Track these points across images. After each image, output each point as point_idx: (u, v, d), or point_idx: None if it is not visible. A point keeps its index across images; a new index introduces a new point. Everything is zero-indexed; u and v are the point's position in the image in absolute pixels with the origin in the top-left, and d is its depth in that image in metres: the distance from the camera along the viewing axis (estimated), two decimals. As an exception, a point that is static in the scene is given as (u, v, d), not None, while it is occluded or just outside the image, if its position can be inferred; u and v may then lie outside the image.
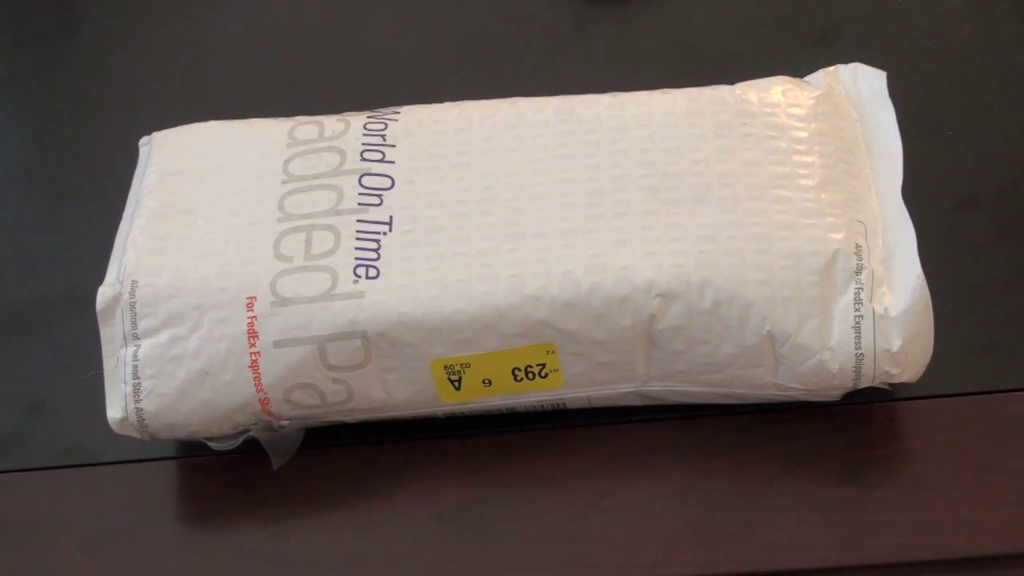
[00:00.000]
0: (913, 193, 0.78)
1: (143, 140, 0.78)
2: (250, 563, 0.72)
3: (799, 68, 0.82)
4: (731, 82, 0.82)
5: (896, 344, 0.69)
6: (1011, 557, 0.68)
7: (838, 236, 0.70)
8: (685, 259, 0.70)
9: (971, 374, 0.72)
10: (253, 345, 0.71)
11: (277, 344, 0.70)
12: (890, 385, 0.71)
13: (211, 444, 0.74)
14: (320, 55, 0.87)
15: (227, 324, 0.71)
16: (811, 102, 0.75)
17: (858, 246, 0.70)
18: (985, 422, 0.71)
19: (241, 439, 0.73)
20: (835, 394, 0.71)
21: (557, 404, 0.73)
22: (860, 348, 0.69)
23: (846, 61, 0.82)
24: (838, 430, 0.72)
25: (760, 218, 0.71)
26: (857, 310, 0.69)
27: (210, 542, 0.73)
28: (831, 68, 0.77)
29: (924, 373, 0.72)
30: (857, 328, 0.69)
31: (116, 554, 0.73)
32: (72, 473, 0.76)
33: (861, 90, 0.76)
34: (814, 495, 0.70)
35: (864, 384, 0.70)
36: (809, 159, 0.73)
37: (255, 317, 0.71)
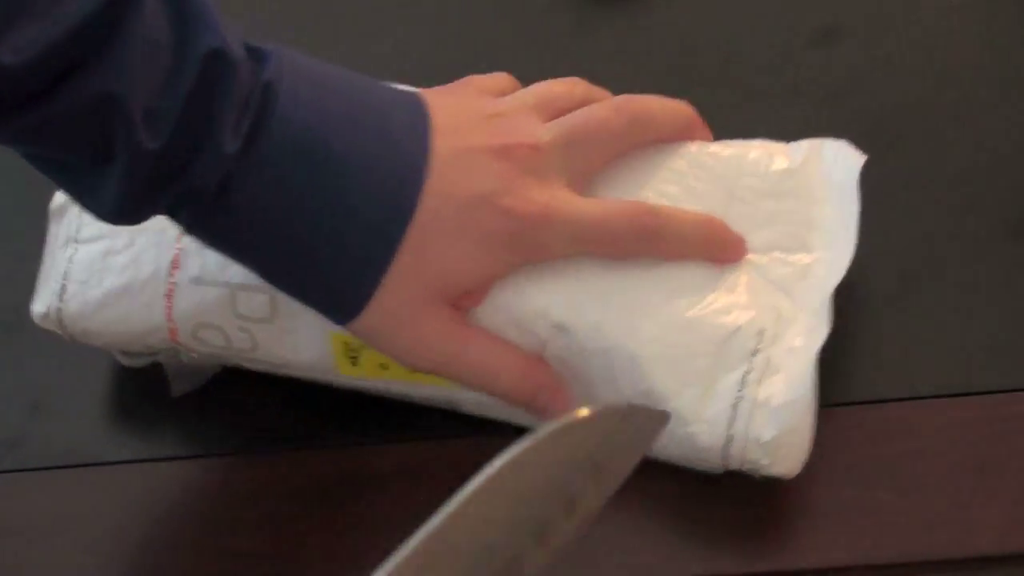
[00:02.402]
0: (913, 193, 0.78)
1: None
2: (250, 563, 0.72)
3: (799, 68, 0.82)
4: (731, 82, 0.82)
5: (768, 435, 0.67)
6: (1011, 557, 0.68)
7: (746, 314, 0.69)
8: (586, 297, 0.70)
9: (971, 374, 0.72)
10: (173, 275, 0.73)
11: (194, 280, 0.73)
12: (762, 476, 0.69)
13: (121, 359, 0.76)
14: (320, 55, 0.87)
15: (156, 249, 0.74)
16: (776, 177, 0.73)
17: (763, 330, 0.69)
18: (985, 422, 0.71)
19: (149, 360, 0.76)
20: (708, 467, 0.69)
21: (452, 405, 0.74)
22: (732, 430, 0.68)
23: (846, 61, 0.82)
24: (838, 430, 0.72)
25: (674, 277, 0.70)
26: (740, 391, 0.68)
27: (210, 542, 0.73)
28: (818, 141, 0.74)
29: (924, 373, 0.72)
30: (734, 409, 0.68)
31: (116, 554, 0.73)
32: (72, 473, 0.76)
33: (837, 171, 0.73)
34: (815, 495, 0.70)
35: (734, 466, 0.68)
36: (744, 233, 0.72)
37: (182, 249, 0.73)
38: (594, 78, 0.84)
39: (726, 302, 0.70)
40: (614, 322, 0.69)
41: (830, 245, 0.71)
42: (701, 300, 0.70)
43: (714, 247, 0.71)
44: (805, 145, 0.74)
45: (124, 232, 0.75)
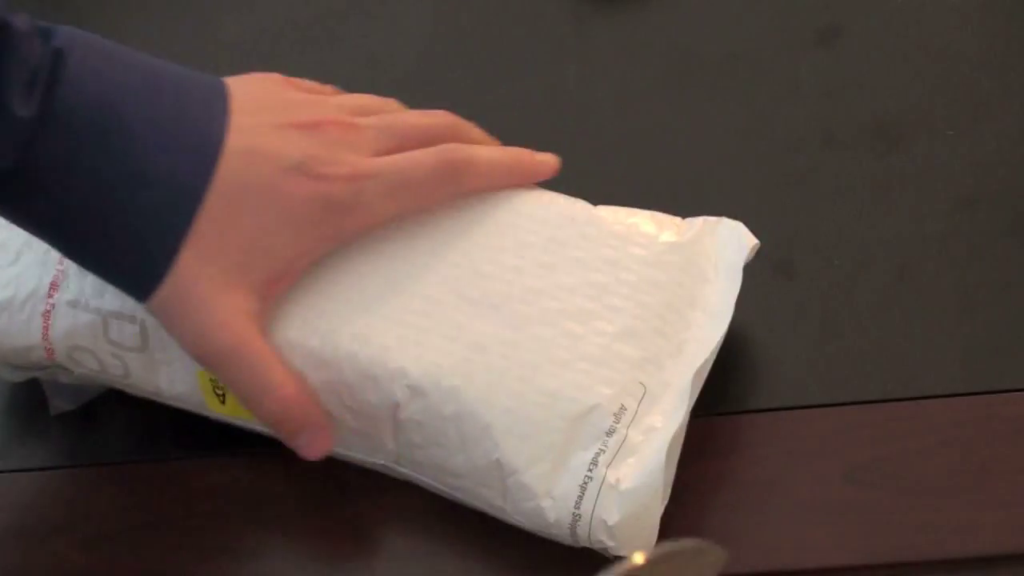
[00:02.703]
0: (913, 193, 0.78)
1: None
2: (250, 563, 0.72)
3: (799, 68, 0.82)
4: (731, 82, 0.82)
5: (614, 518, 0.67)
6: (1011, 557, 0.68)
7: (606, 391, 0.68)
8: (446, 360, 0.69)
9: (971, 374, 0.72)
10: (51, 296, 0.73)
11: (70, 303, 0.73)
12: (610, 556, 0.68)
13: (3, 372, 0.76)
14: (320, 55, 0.87)
15: (39, 268, 0.74)
16: (661, 248, 0.72)
17: (622, 408, 0.68)
18: (985, 422, 0.71)
19: (30, 376, 0.76)
20: (562, 540, 0.69)
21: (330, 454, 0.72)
22: (579, 509, 0.67)
23: (846, 61, 0.82)
24: (838, 430, 0.72)
25: (539, 346, 0.69)
26: (590, 471, 0.67)
27: (209, 542, 0.73)
28: (714, 220, 0.73)
29: (924, 373, 0.72)
30: (583, 488, 0.67)
31: (116, 554, 0.73)
32: (72, 473, 0.76)
33: (729, 253, 0.72)
34: (814, 495, 0.70)
35: (583, 544, 0.68)
36: (621, 303, 0.70)
37: (63, 271, 0.73)
38: (594, 78, 0.84)
39: (587, 377, 0.68)
40: (470, 389, 0.68)
41: (707, 325, 0.71)
42: (561, 373, 0.68)
43: (522, 172, 0.73)
44: (699, 222, 0.73)
45: (13, 248, 0.74)
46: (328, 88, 0.75)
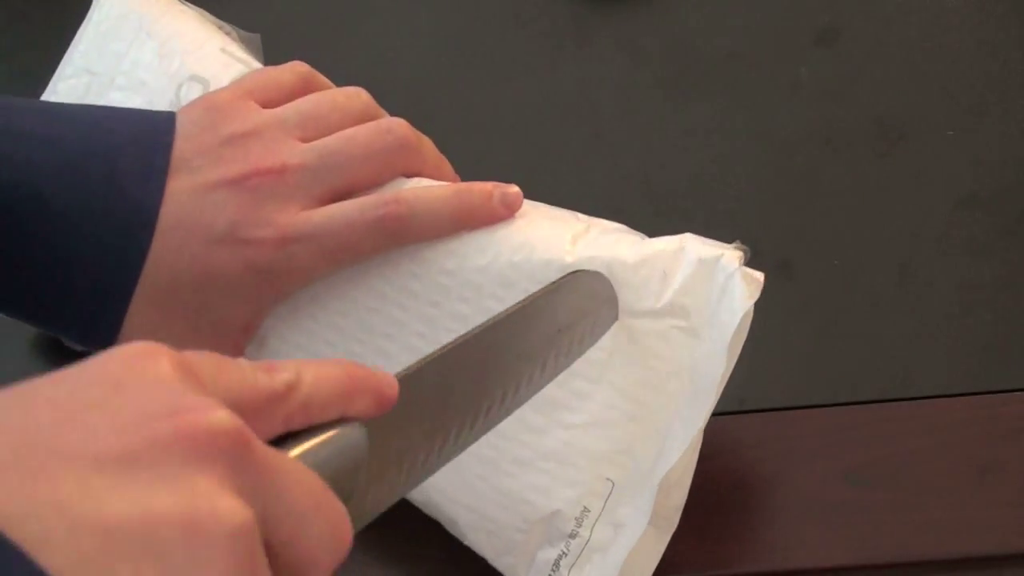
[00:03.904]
0: (913, 193, 0.78)
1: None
2: None
3: (799, 68, 0.82)
4: (731, 83, 0.82)
5: None
6: (1011, 557, 0.68)
7: (569, 493, 0.65)
8: None
9: (971, 374, 0.72)
10: None
11: None
12: None
13: None
14: (320, 55, 0.87)
15: None
16: (640, 313, 0.64)
17: (585, 509, 0.65)
18: (985, 422, 0.71)
19: None
20: None
21: None
22: None
23: (846, 61, 0.82)
24: (839, 430, 0.72)
25: (500, 443, 0.65)
26: (553, 571, 0.65)
27: None
28: (710, 258, 0.63)
29: (924, 373, 0.72)
30: None
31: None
32: None
33: (722, 307, 0.63)
34: (814, 495, 0.70)
35: None
36: (589, 388, 0.65)
37: None
38: (594, 78, 0.84)
39: (548, 478, 0.65)
40: (435, 485, 0.66)
41: (692, 399, 0.64)
42: (521, 474, 0.65)
43: (472, 219, 0.66)
44: (694, 259, 0.64)
45: None
46: (288, 82, 0.71)
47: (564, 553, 0.65)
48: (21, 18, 0.93)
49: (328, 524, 0.47)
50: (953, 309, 0.74)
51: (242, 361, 0.48)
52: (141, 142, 0.66)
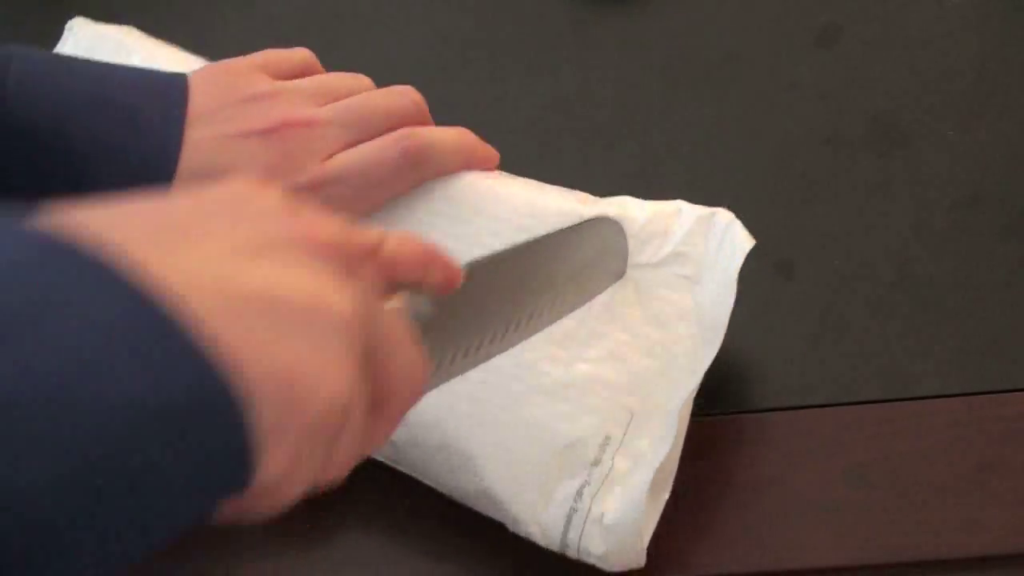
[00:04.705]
0: (913, 193, 0.78)
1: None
2: (249, 563, 0.72)
3: (799, 68, 0.82)
4: (731, 82, 0.82)
5: (600, 549, 0.66)
6: (1011, 557, 0.68)
7: (591, 420, 0.67)
8: (428, 397, 0.67)
9: (971, 374, 0.72)
10: None
11: None
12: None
13: None
14: (319, 56, 0.87)
15: None
16: (646, 258, 0.70)
17: (608, 437, 0.67)
18: (985, 422, 0.71)
19: None
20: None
21: None
22: (566, 539, 0.67)
23: (846, 61, 0.82)
24: (838, 430, 0.72)
25: (522, 374, 0.68)
26: (575, 503, 0.67)
27: (209, 543, 0.73)
28: (707, 213, 0.70)
29: (924, 373, 0.72)
30: (568, 519, 0.67)
31: (116, 554, 0.73)
32: None
33: (721, 254, 0.69)
34: (814, 495, 0.70)
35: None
36: (603, 328, 0.69)
37: None
38: (594, 78, 0.84)
39: (571, 406, 0.67)
40: (451, 420, 0.68)
41: (699, 337, 0.69)
42: (545, 405, 0.68)
43: (472, 158, 0.71)
44: (693, 216, 0.70)
45: None
46: (298, 61, 0.73)
47: (587, 482, 0.67)
48: (17, 23, 0.94)
49: (410, 363, 0.52)
50: (953, 309, 0.74)
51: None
52: (157, 92, 0.67)
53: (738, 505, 0.70)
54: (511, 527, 0.68)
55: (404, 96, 0.72)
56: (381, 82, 0.86)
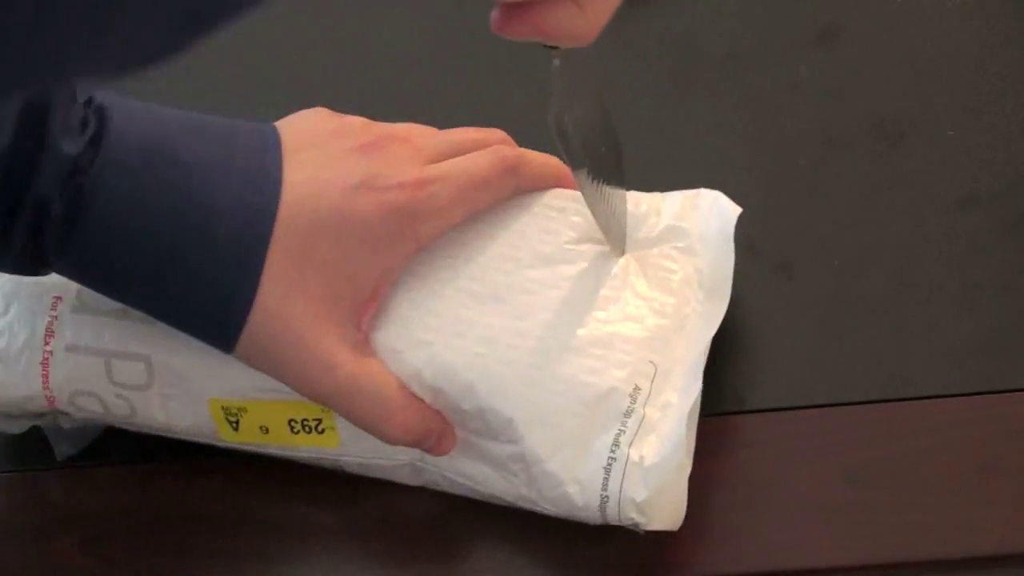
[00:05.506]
0: (913, 193, 0.78)
1: None
2: (250, 564, 0.72)
3: (799, 68, 0.82)
4: (731, 82, 0.82)
5: (642, 495, 0.67)
6: (1011, 557, 0.68)
7: (620, 373, 0.69)
8: (458, 357, 0.69)
9: (971, 374, 0.72)
10: (48, 344, 0.72)
11: (69, 348, 0.72)
12: (640, 532, 0.68)
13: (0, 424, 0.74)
14: (320, 57, 0.87)
15: (31, 317, 0.72)
16: (644, 231, 0.73)
17: (637, 388, 0.69)
18: (985, 422, 0.71)
19: (28, 425, 0.74)
20: (590, 522, 0.69)
21: (336, 466, 0.72)
22: (607, 490, 0.67)
23: (846, 61, 0.82)
24: (839, 430, 0.72)
25: (548, 334, 0.69)
26: (613, 452, 0.67)
27: (210, 543, 0.73)
28: (692, 193, 0.74)
29: (924, 373, 0.72)
30: (608, 470, 0.67)
31: (116, 554, 0.73)
32: (72, 473, 0.76)
33: (713, 224, 0.73)
34: (814, 495, 0.70)
35: (612, 523, 0.68)
36: (615, 295, 0.71)
37: (56, 317, 0.72)
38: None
39: (600, 361, 0.69)
40: (484, 384, 0.68)
41: (705, 299, 0.71)
42: (574, 359, 0.69)
43: (560, 176, 0.73)
44: (679, 197, 0.74)
45: (2, 298, 0.73)
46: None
47: (622, 431, 0.68)
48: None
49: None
50: (953, 309, 0.74)
51: None
52: (250, 126, 0.69)
53: (738, 505, 0.70)
54: (537, 501, 0.68)
55: (495, 132, 0.74)
56: (381, 82, 0.86)
